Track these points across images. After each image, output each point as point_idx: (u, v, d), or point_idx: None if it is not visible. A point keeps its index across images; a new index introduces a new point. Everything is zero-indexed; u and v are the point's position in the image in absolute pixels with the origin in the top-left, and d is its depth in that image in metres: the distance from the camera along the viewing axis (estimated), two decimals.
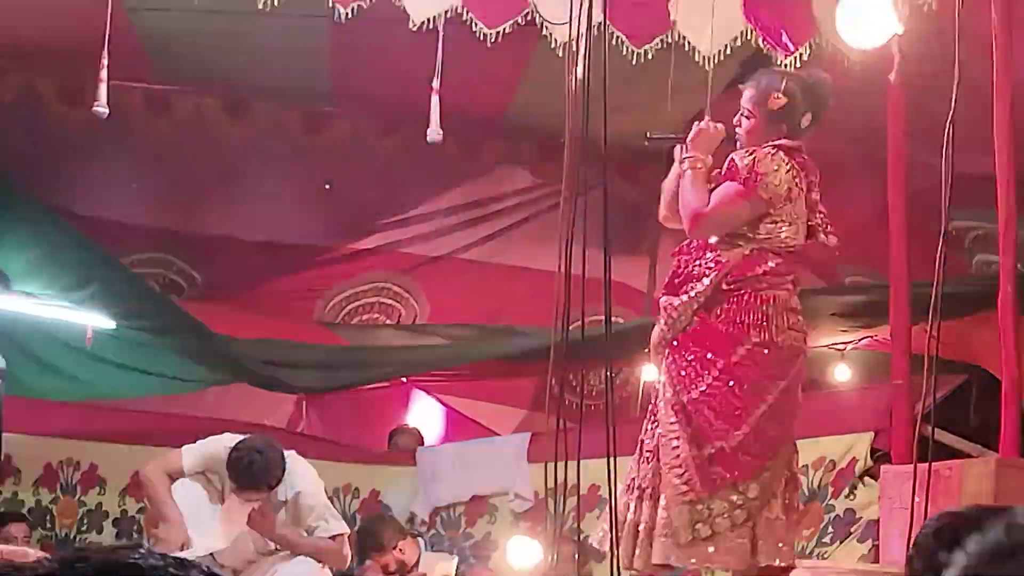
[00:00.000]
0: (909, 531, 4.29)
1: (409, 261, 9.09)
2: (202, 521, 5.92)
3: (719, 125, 4.75)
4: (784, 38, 6.41)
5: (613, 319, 8.35)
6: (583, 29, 3.93)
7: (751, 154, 4.56)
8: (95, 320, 7.75)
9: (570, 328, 4.16)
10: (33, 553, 4.62)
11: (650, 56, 6.35)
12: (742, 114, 4.72)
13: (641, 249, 9.12)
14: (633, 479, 4.67)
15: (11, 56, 7.79)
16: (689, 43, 6.34)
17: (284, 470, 5.90)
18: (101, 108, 5.89)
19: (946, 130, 3.72)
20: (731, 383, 4.47)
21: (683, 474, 4.41)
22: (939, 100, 4.54)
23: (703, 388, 4.47)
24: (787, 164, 4.56)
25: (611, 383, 3.88)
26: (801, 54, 6.43)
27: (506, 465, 7.42)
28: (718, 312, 4.52)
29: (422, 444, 8.38)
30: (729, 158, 4.63)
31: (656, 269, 9.07)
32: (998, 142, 5.34)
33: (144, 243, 8.52)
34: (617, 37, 6.20)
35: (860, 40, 6.13)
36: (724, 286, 4.51)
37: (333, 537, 6.06)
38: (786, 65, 6.54)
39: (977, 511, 2.23)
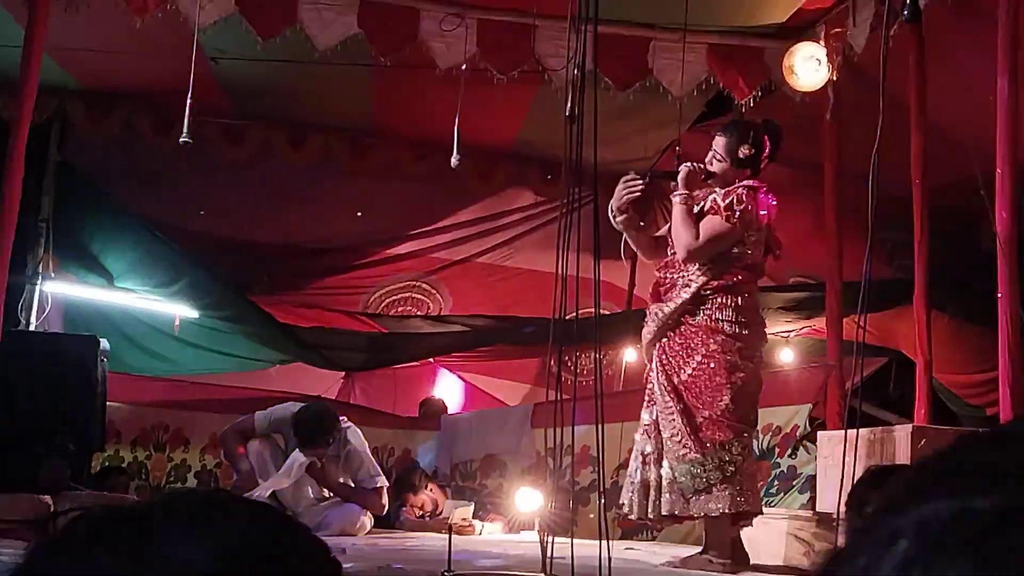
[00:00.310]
0: (840, 484, 4.29)
1: (435, 264, 9.06)
2: (268, 472, 5.96)
3: (700, 165, 4.78)
4: (741, 83, 6.41)
5: (601, 312, 8.35)
6: (576, 75, 3.91)
7: (728, 196, 4.61)
8: (182, 311, 7.79)
9: (566, 319, 4.18)
10: (131, 499, 4.63)
11: (631, 97, 6.35)
12: (715, 156, 4.75)
13: (624, 255, 9.09)
14: (640, 450, 4.76)
15: (115, 97, 7.81)
16: (663, 87, 6.35)
17: (338, 429, 5.96)
18: (186, 139, 5.89)
19: (872, 158, 3.71)
20: (712, 365, 4.56)
21: (680, 440, 4.51)
22: (865, 133, 4.53)
23: (689, 371, 4.57)
24: (755, 202, 4.63)
25: (599, 364, 3.85)
26: (754, 95, 6.43)
27: (513, 429, 7.41)
28: (699, 313, 4.61)
29: (446, 412, 8.37)
30: (712, 198, 4.66)
31: (636, 271, 9.06)
32: (914, 168, 5.34)
33: (222, 248, 8.51)
34: (605, 82, 6.20)
35: (802, 84, 6.14)
36: (703, 292, 4.60)
37: (375, 489, 6.09)
38: (743, 105, 6.55)
39: (899, 466, 2.24)
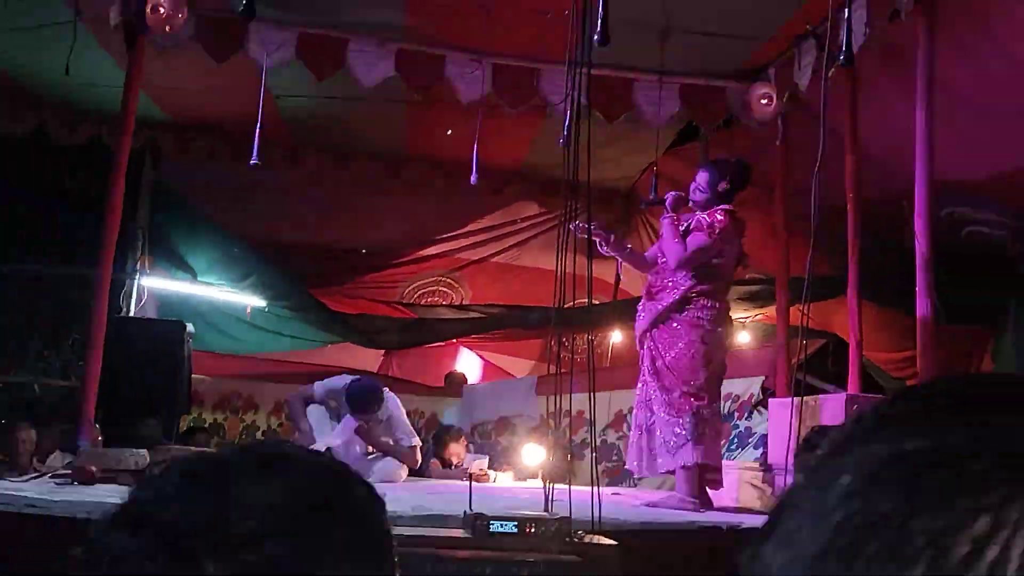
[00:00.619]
0: (788, 442, 4.28)
1: (458, 263, 9.06)
2: (323, 431, 5.95)
3: (682, 193, 4.93)
4: (707, 116, 6.39)
5: (592, 302, 8.34)
6: (573, 110, 3.90)
7: (710, 216, 4.76)
8: (252, 300, 7.80)
9: (564, 308, 4.21)
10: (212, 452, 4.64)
11: (617, 127, 6.34)
12: (699, 188, 4.83)
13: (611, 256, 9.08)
14: (638, 422, 4.92)
15: (198, 129, 7.82)
16: (644, 118, 6.33)
17: (382, 399, 5.95)
18: (256, 162, 5.90)
19: (814, 177, 3.70)
20: (692, 352, 4.73)
21: (666, 409, 4.68)
22: (808, 156, 4.52)
23: (672, 355, 4.72)
24: (731, 223, 4.79)
25: (592, 345, 3.86)
26: (718, 126, 6.41)
27: (521, 397, 7.40)
28: (684, 311, 4.75)
29: (466, 383, 8.38)
30: (697, 217, 4.81)
31: (620, 269, 9.04)
32: (848, 184, 5.32)
33: (283, 250, 8.52)
34: (595, 114, 6.18)
35: (758, 116, 6.12)
36: (688, 295, 4.75)
37: (411, 447, 6.09)
38: (707, 133, 6.53)
39: (838, 425, 2.25)
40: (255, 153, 5.82)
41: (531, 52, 5.93)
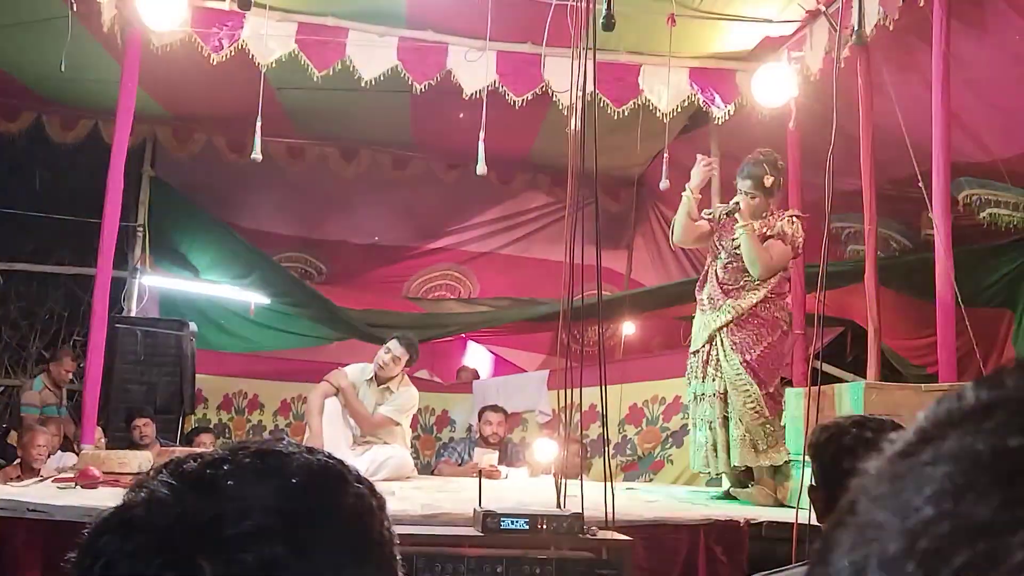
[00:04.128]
0: (805, 432, 4.26)
1: (466, 255, 9.06)
2: (335, 426, 5.91)
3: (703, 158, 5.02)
4: (717, 100, 6.36)
5: (603, 293, 8.32)
6: (579, 96, 3.88)
7: (791, 226, 4.87)
8: (256, 298, 7.80)
9: (574, 299, 4.19)
10: None
11: (626, 114, 6.31)
12: (749, 195, 4.80)
13: (621, 245, 9.08)
14: (704, 417, 4.91)
15: (197, 121, 7.83)
16: (652, 104, 6.30)
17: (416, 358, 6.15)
18: (256, 155, 5.89)
19: (828, 160, 3.67)
20: (773, 352, 4.85)
21: (755, 408, 4.73)
22: (822, 140, 4.50)
23: (758, 353, 4.78)
24: (800, 227, 4.91)
25: (602, 337, 3.84)
26: (729, 110, 6.38)
27: (533, 391, 7.39)
28: (765, 311, 4.83)
29: (476, 378, 8.36)
30: (778, 226, 4.88)
31: (632, 259, 9.04)
32: (863, 167, 5.29)
33: (288, 246, 8.54)
34: (603, 101, 6.16)
35: (769, 100, 6.09)
36: (768, 295, 4.83)
37: (389, 419, 5.99)
38: (718, 118, 6.50)
39: (837, 421, 2.22)
40: (257, 147, 5.81)
41: (535, 38, 5.90)
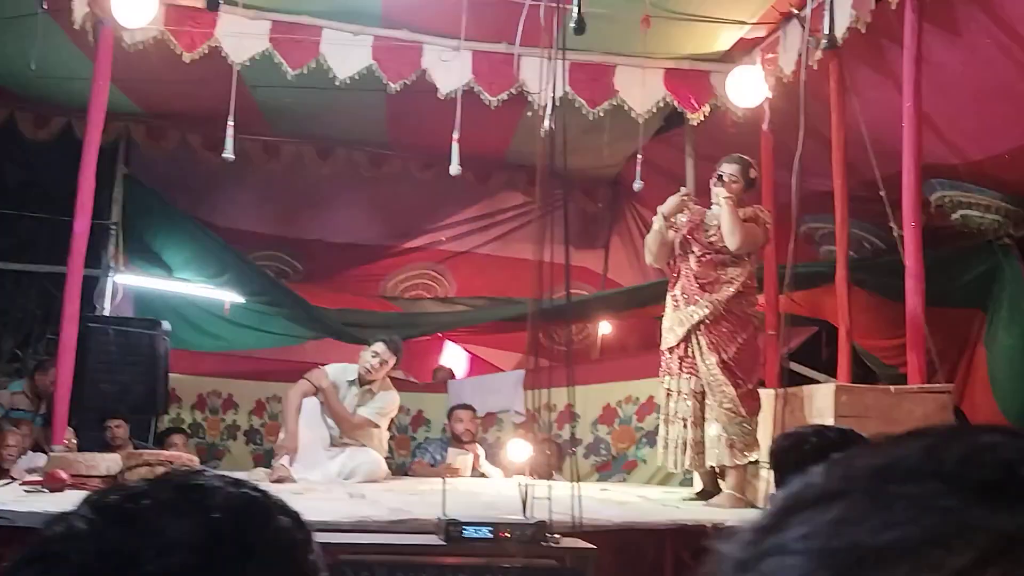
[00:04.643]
0: (773, 432, 4.27)
1: (443, 254, 9.04)
2: (313, 426, 5.88)
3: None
4: (692, 101, 6.37)
5: (579, 292, 8.33)
6: (553, 98, 3.87)
7: (765, 212, 4.97)
8: (231, 296, 7.75)
9: (550, 299, 4.21)
10: (187, 456, 4.60)
11: (600, 115, 6.30)
12: (732, 179, 4.85)
13: (597, 244, 9.08)
14: (679, 413, 4.87)
15: (171, 118, 7.78)
16: (627, 105, 6.30)
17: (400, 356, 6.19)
18: (228, 155, 5.86)
19: (796, 162, 3.68)
20: (749, 349, 4.85)
21: (732, 407, 4.70)
22: (796, 141, 4.51)
23: (734, 351, 4.75)
24: (769, 218, 4.97)
25: (571, 337, 3.83)
26: (703, 112, 6.38)
27: (508, 391, 7.36)
28: (736, 305, 4.81)
29: (452, 378, 8.34)
30: (752, 211, 4.91)
31: (608, 258, 9.04)
32: (835, 169, 5.31)
33: (263, 244, 8.48)
34: (578, 102, 6.16)
35: (743, 102, 6.10)
36: (741, 290, 4.82)
37: (368, 421, 5.98)
38: (693, 119, 6.51)
39: (798, 429, 2.23)
40: (229, 146, 5.78)
41: (510, 38, 5.89)
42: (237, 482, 0.79)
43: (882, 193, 4.30)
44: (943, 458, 0.42)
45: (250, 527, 0.75)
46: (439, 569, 2.21)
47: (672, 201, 4.97)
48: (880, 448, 0.44)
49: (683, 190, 5.09)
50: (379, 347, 6.02)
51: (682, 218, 4.99)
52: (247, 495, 0.78)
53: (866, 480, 0.43)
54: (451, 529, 2.36)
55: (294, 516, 0.79)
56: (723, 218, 4.80)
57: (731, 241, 4.76)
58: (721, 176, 4.87)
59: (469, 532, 2.35)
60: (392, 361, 6.05)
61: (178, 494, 0.75)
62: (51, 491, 3.95)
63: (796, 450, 2.07)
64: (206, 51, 5.81)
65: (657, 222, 4.98)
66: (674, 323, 4.92)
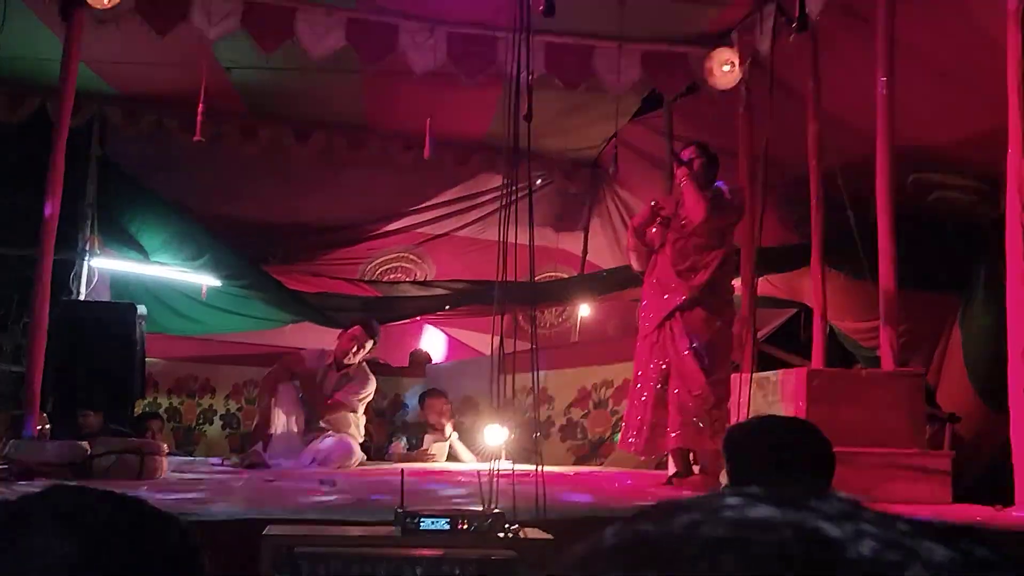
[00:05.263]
0: (746, 416, 4.25)
1: (421, 237, 8.98)
2: (291, 412, 5.86)
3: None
4: (669, 83, 6.32)
5: (559, 275, 8.28)
6: (519, 80, 3.81)
7: (728, 184, 4.91)
8: (208, 280, 7.69)
9: (536, 280, 4.20)
10: (156, 443, 4.55)
11: (578, 96, 6.25)
12: (690, 157, 4.84)
13: (578, 226, 9.03)
14: (645, 398, 4.84)
15: (146, 101, 7.68)
16: (605, 86, 6.24)
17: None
18: (200, 139, 5.80)
19: (763, 144, 3.65)
20: (723, 335, 4.82)
21: (702, 394, 4.66)
22: (772, 122, 4.48)
23: (707, 338, 4.72)
24: (743, 196, 5.00)
25: (535, 321, 3.80)
26: (681, 93, 6.34)
27: (486, 375, 7.31)
28: (714, 292, 4.78)
29: (429, 361, 8.32)
30: (716, 185, 4.84)
31: (588, 240, 8.99)
32: (810, 151, 5.29)
33: (240, 227, 8.40)
34: (556, 83, 6.10)
35: (720, 83, 6.06)
36: (715, 275, 4.76)
37: (346, 403, 5.98)
38: (670, 101, 6.47)
39: (751, 420, 2.22)
40: (199, 129, 5.71)
41: (485, 18, 5.82)
42: (121, 499, 0.76)
43: (840, 182, 4.26)
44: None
45: (132, 545, 0.72)
46: (395, 562, 2.17)
47: (642, 215, 4.99)
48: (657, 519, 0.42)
49: (655, 203, 5.05)
50: (356, 331, 5.98)
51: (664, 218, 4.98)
52: (128, 513, 0.75)
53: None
54: (407, 521, 2.33)
55: (182, 530, 0.76)
56: (685, 196, 4.79)
57: (696, 213, 4.73)
58: (679, 157, 4.85)
59: (426, 524, 2.32)
60: (369, 344, 6.02)
61: (62, 512, 0.73)
62: (18, 478, 3.90)
63: (747, 441, 2.05)
64: (179, 30, 5.73)
65: (633, 238, 4.99)
66: (650, 310, 4.90)
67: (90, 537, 0.71)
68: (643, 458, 5.22)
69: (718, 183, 4.86)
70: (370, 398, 6.26)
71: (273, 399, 5.92)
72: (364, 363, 6.15)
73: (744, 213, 5.01)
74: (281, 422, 5.74)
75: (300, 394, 6.02)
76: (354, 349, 5.92)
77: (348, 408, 5.93)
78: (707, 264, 4.79)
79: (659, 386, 4.77)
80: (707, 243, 4.78)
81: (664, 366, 4.79)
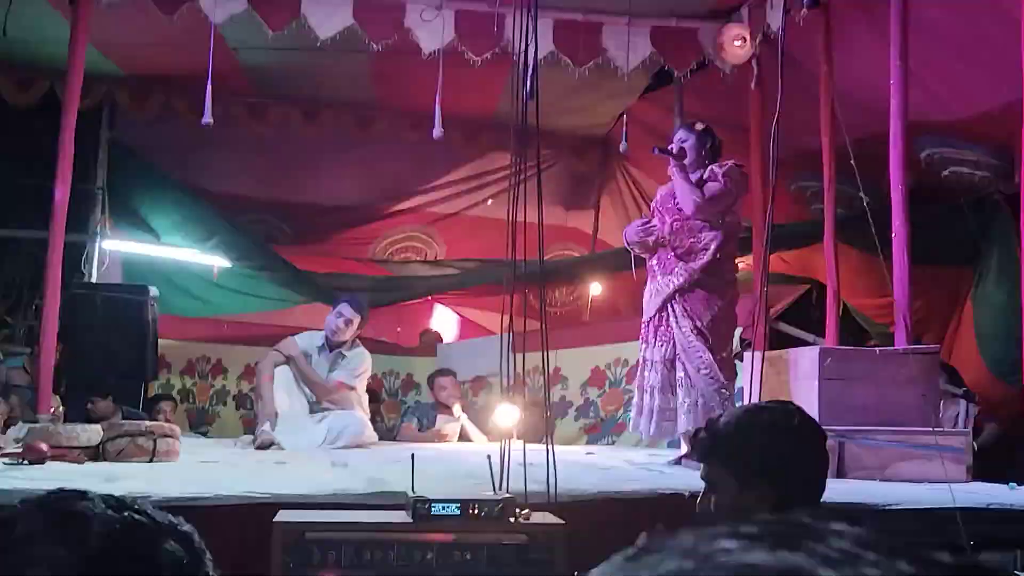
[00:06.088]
0: (759, 392, 4.22)
1: (432, 217, 8.95)
2: (291, 394, 5.85)
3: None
4: (679, 59, 6.25)
5: (569, 253, 8.25)
6: (530, 56, 3.76)
7: (722, 166, 4.70)
8: (219, 261, 7.70)
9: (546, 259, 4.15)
10: (169, 426, 4.53)
11: (587, 73, 6.18)
12: (678, 143, 4.76)
13: (588, 205, 8.99)
14: (649, 383, 4.79)
15: (156, 82, 7.66)
16: (614, 63, 6.18)
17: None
18: (208, 119, 5.78)
19: (774, 123, 3.61)
20: (725, 316, 4.74)
21: (710, 373, 4.60)
22: (784, 98, 4.42)
23: (709, 318, 4.66)
24: (741, 174, 4.79)
25: (544, 302, 3.74)
26: (691, 70, 6.27)
27: (497, 354, 7.29)
28: (714, 272, 4.70)
29: (439, 341, 8.30)
30: (710, 169, 4.71)
31: (599, 218, 8.95)
32: (823, 127, 5.24)
33: (250, 208, 8.39)
34: (564, 60, 6.05)
35: (731, 58, 6.00)
36: (716, 256, 4.67)
37: (342, 383, 5.93)
38: (680, 77, 6.41)
39: (746, 407, 2.20)
40: (207, 111, 5.68)
41: None
42: (120, 506, 0.74)
43: (852, 162, 4.20)
44: None
45: (129, 554, 0.70)
46: (406, 547, 2.16)
47: (635, 229, 4.90)
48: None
49: (644, 217, 5.04)
50: (343, 307, 5.95)
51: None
52: (128, 520, 0.73)
53: None
54: (419, 506, 2.31)
55: (182, 537, 0.74)
56: (676, 187, 4.73)
57: (687, 205, 4.67)
58: (665, 150, 4.78)
59: (437, 509, 2.30)
60: (357, 320, 5.97)
61: (57, 520, 0.71)
62: (31, 463, 3.90)
63: (731, 445, 2.01)
64: (184, 13, 5.70)
65: (632, 250, 4.95)
66: (651, 294, 4.85)
67: (90, 546, 0.70)
68: (653, 441, 5.19)
69: (712, 166, 4.74)
70: (368, 373, 6.22)
71: (272, 382, 5.90)
72: (358, 339, 6.10)
73: (744, 190, 4.90)
74: (286, 404, 5.73)
75: (297, 377, 6.00)
76: (341, 325, 5.87)
77: (347, 387, 5.92)
78: (707, 246, 4.72)
79: (665, 369, 4.73)
80: (706, 224, 4.71)
81: (669, 349, 4.74)
